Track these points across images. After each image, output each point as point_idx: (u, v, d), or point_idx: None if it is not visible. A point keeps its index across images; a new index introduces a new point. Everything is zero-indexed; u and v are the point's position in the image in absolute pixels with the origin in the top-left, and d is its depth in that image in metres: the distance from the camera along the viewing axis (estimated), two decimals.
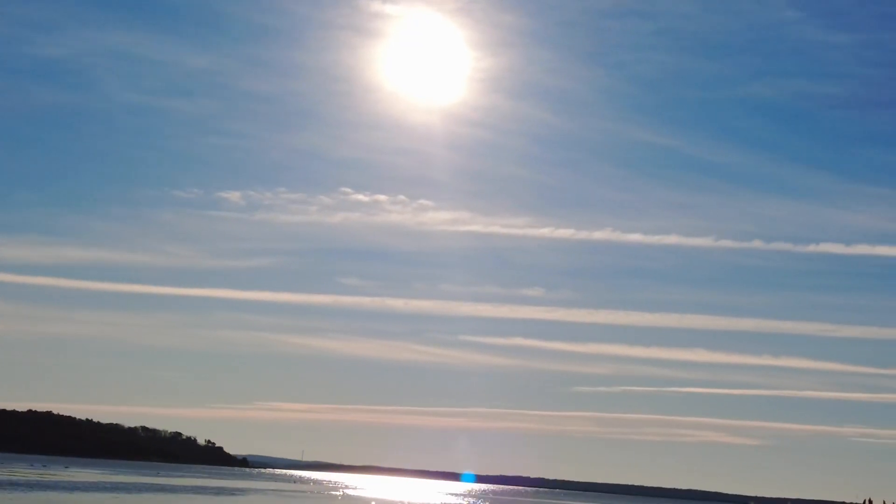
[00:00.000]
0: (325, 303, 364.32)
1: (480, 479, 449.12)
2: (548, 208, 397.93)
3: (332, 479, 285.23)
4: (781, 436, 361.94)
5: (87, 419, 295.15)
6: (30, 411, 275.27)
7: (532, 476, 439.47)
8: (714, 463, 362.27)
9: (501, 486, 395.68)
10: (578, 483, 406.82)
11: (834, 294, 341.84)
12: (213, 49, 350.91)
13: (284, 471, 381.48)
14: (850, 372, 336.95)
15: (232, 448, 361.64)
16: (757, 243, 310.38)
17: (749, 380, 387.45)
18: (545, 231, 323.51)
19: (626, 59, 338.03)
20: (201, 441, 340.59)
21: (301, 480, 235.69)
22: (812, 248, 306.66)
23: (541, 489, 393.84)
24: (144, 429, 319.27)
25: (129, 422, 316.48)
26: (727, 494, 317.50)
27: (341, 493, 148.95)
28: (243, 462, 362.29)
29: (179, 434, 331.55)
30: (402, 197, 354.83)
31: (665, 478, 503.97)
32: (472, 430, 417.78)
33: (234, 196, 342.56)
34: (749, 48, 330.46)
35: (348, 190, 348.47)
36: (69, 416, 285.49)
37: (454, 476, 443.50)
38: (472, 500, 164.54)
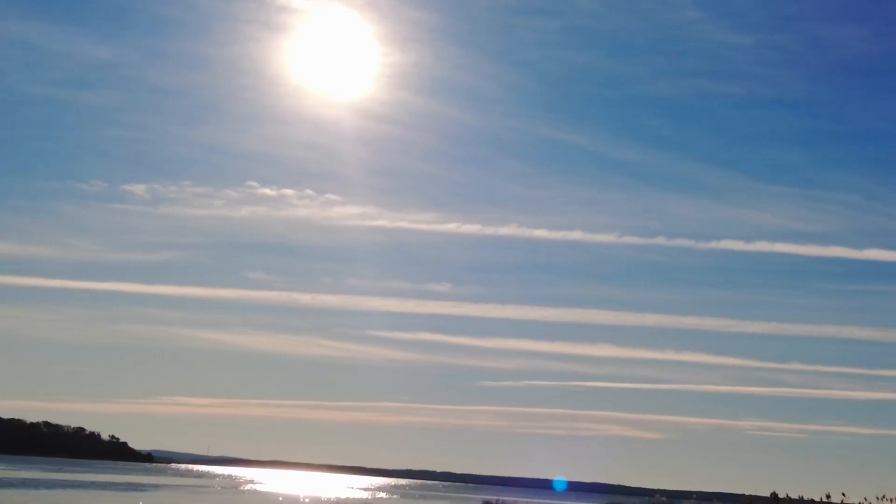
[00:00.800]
0: (231, 297, 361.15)
1: (385, 473, 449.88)
2: (455, 204, 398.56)
3: (239, 474, 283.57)
4: (683, 429, 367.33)
5: None
6: None
7: (438, 470, 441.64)
8: (618, 456, 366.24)
9: (407, 481, 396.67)
10: (484, 477, 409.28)
11: (734, 290, 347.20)
12: (117, 41, 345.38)
13: (190, 466, 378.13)
14: (749, 367, 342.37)
15: (136, 443, 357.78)
16: (660, 240, 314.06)
17: (652, 374, 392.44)
18: (452, 226, 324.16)
19: (532, 56, 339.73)
20: (105, 436, 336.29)
21: (207, 475, 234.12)
22: (713, 244, 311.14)
23: (447, 483, 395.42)
24: (47, 424, 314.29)
25: (31, 417, 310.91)
26: (632, 487, 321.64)
27: (249, 489, 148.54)
28: (148, 457, 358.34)
29: (83, 429, 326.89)
30: (308, 191, 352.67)
31: (570, 471, 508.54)
32: (379, 425, 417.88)
33: (138, 189, 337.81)
34: (653, 47, 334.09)
35: (254, 184, 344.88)
36: None
37: (360, 470, 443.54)
38: (378, 494, 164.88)
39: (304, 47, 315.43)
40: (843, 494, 44.29)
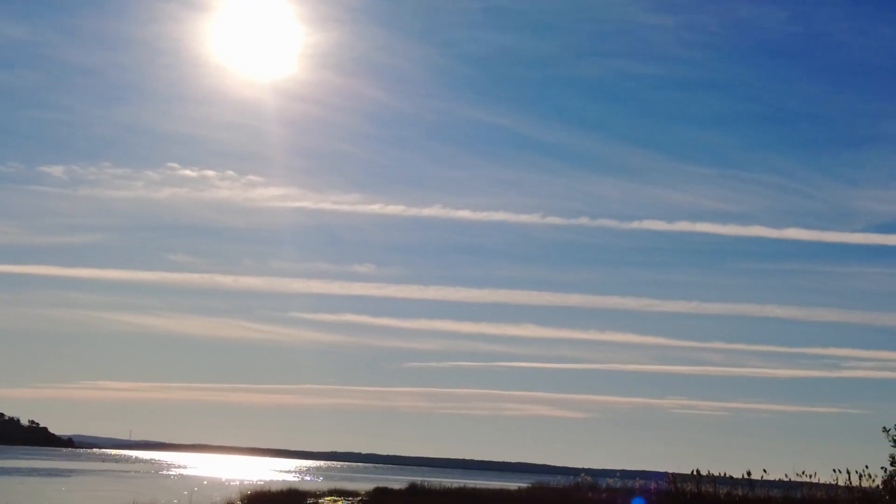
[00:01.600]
0: (153, 280, 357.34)
1: (310, 455, 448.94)
2: (378, 185, 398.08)
3: (162, 459, 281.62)
4: (607, 409, 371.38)
5: None
6: None
7: (364, 452, 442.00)
8: (543, 436, 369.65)
9: (332, 463, 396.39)
10: (410, 458, 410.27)
11: (656, 270, 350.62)
12: (34, 19, 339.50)
13: (112, 451, 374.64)
14: (672, 346, 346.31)
15: (57, 428, 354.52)
16: (583, 220, 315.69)
17: (576, 354, 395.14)
18: (375, 207, 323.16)
19: (455, 37, 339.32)
20: (25, 421, 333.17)
21: (130, 460, 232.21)
22: (636, 224, 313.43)
23: (373, 465, 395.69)
24: None
25: None
26: (556, 467, 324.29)
27: (173, 473, 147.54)
28: (69, 442, 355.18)
29: (2, 414, 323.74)
30: (230, 172, 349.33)
31: (495, 451, 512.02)
32: (303, 407, 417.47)
33: (56, 171, 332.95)
34: (575, 28, 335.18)
35: (175, 165, 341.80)
36: None
37: (285, 453, 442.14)
38: (304, 476, 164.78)
39: (224, 27, 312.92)
40: (765, 471, 44.95)
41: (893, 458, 37.13)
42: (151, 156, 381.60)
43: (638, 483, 52.52)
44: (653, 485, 49.88)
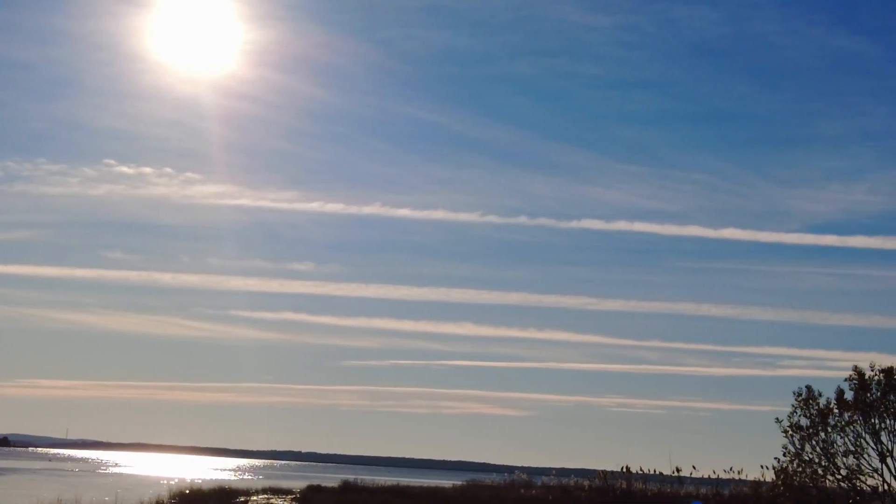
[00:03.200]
0: (89, 277, 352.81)
1: (249, 454, 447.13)
2: (317, 183, 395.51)
3: (99, 457, 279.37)
4: (545, 407, 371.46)
5: None
6: None
7: (304, 451, 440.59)
8: (482, 434, 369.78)
9: (272, 462, 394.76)
10: (350, 456, 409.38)
11: (594, 269, 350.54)
12: None
13: (48, 450, 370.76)
14: (609, 344, 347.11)
15: None
16: (522, 219, 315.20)
17: (515, 352, 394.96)
18: (314, 205, 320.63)
19: (393, 35, 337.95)
20: None
21: (67, 459, 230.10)
22: (574, 223, 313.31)
23: (312, 463, 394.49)
24: None
25: None
26: (495, 465, 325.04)
27: (111, 471, 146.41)
28: (4, 441, 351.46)
29: None
30: (168, 169, 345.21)
31: (434, 450, 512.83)
32: (242, 405, 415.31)
33: None
34: (512, 27, 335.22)
35: (112, 162, 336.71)
36: None
37: (224, 452, 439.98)
38: (242, 475, 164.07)
39: (163, 23, 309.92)
40: (694, 468, 45.40)
41: (786, 448, 37.42)
42: (88, 152, 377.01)
43: (573, 481, 52.75)
44: (586, 482, 50.12)
